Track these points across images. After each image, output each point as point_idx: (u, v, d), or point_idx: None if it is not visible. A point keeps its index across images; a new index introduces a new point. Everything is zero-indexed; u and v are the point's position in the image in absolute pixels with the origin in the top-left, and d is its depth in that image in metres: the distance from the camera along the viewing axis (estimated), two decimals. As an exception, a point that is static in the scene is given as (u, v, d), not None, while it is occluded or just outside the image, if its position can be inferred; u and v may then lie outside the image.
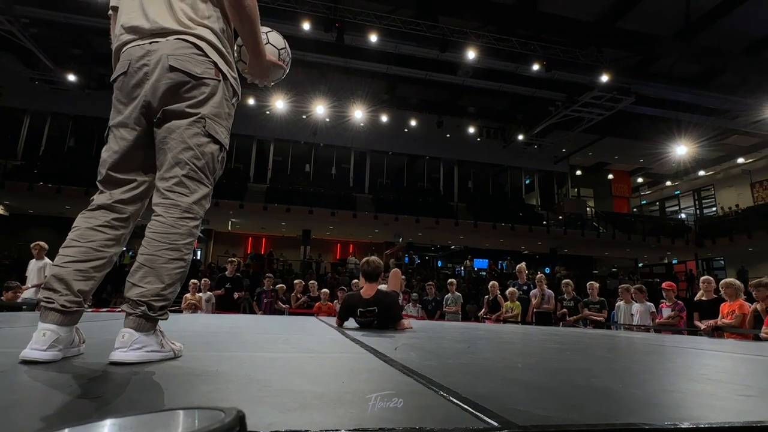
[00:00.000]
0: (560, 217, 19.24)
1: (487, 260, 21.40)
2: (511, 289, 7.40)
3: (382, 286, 3.78)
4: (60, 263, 1.24)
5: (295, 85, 14.69)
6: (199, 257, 18.95)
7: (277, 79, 1.73)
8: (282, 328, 3.12)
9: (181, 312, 6.68)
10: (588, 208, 20.95)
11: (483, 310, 7.99)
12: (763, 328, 4.29)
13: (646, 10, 11.44)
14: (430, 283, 9.32)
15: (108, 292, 11.74)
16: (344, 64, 13.40)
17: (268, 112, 16.18)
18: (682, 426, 0.75)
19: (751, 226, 17.20)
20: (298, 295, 8.12)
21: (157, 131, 1.34)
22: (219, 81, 1.38)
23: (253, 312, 8.10)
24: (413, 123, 17.25)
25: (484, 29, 12.08)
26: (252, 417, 0.70)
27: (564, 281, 7.43)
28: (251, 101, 15.48)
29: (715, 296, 5.10)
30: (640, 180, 24.56)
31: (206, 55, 1.35)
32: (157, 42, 1.33)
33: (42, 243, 6.23)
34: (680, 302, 5.91)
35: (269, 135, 17.93)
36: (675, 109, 14.51)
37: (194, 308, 7.02)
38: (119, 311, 1.33)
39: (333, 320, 4.05)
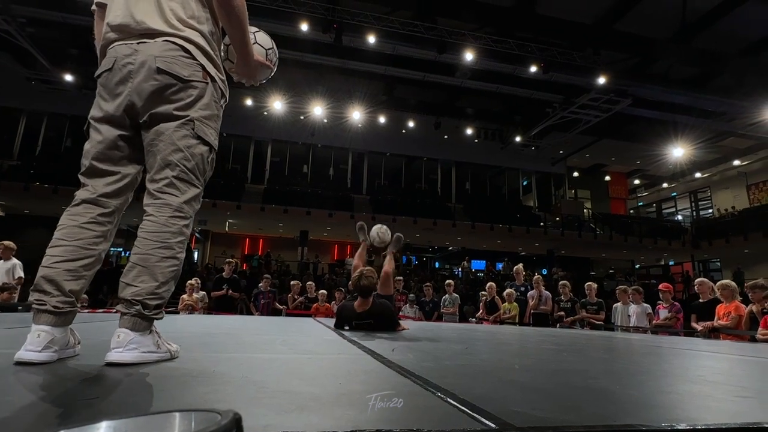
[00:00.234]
0: (557, 219, 19.27)
1: (484, 261, 21.42)
2: (508, 290, 7.41)
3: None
4: (48, 264, 1.22)
5: (292, 86, 14.68)
6: (195, 258, 18.92)
7: (264, 78, 1.73)
8: (279, 329, 3.11)
9: (177, 313, 6.65)
10: (585, 210, 21.00)
11: (480, 311, 7.99)
12: (759, 329, 4.30)
13: (643, 12, 11.48)
14: (428, 284, 9.33)
15: (104, 292, 11.69)
16: (342, 65, 13.40)
17: (265, 113, 16.16)
18: (679, 427, 0.75)
19: (747, 228, 17.27)
20: (295, 296, 8.11)
21: (145, 134, 1.34)
22: (207, 83, 1.37)
23: (250, 313, 8.08)
24: (411, 124, 17.26)
25: (481, 31, 12.11)
26: (249, 419, 0.69)
27: (561, 282, 7.44)
28: (249, 102, 15.47)
29: (712, 298, 5.12)
30: (636, 182, 24.65)
31: (194, 58, 1.35)
32: (144, 43, 1.32)
33: (8, 243, 5.82)
34: (677, 304, 5.92)
35: (267, 136, 17.90)
36: (672, 111, 14.57)
37: (191, 309, 6.99)
38: (115, 312, 1.32)
39: (330, 321, 4.05)
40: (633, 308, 6.19)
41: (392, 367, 1.34)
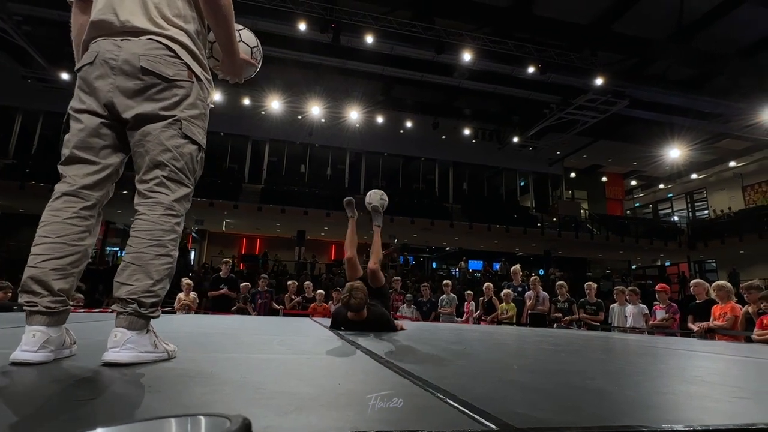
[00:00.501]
0: (554, 219, 19.32)
1: (481, 262, 21.45)
2: (506, 290, 7.42)
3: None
4: (34, 263, 1.20)
5: (290, 86, 14.66)
6: (192, 257, 18.86)
7: (248, 76, 1.73)
8: (277, 329, 3.10)
9: (174, 313, 6.63)
10: (582, 211, 21.06)
11: (477, 311, 8.00)
12: (755, 330, 4.33)
13: (640, 13, 11.52)
14: (425, 284, 9.33)
15: (100, 292, 11.64)
16: (340, 65, 13.39)
17: (263, 113, 16.12)
18: (677, 428, 0.75)
19: (743, 229, 17.37)
20: (292, 296, 8.10)
21: (131, 134, 1.32)
22: (192, 82, 1.36)
23: (247, 313, 8.05)
24: (409, 124, 17.26)
25: (479, 31, 12.12)
26: (251, 420, 0.69)
27: (558, 283, 7.45)
28: (246, 101, 15.43)
29: (708, 298, 5.14)
30: (633, 182, 24.74)
31: (179, 57, 1.34)
32: (128, 40, 1.31)
33: None
34: (674, 304, 5.95)
35: (264, 135, 17.87)
36: (668, 112, 14.63)
37: (188, 309, 6.97)
38: (111, 311, 1.31)
39: (328, 321, 4.04)
40: (630, 309, 6.21)
41: (391, 368, 1.34)
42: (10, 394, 0.88)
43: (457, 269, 19.22)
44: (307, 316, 7.07)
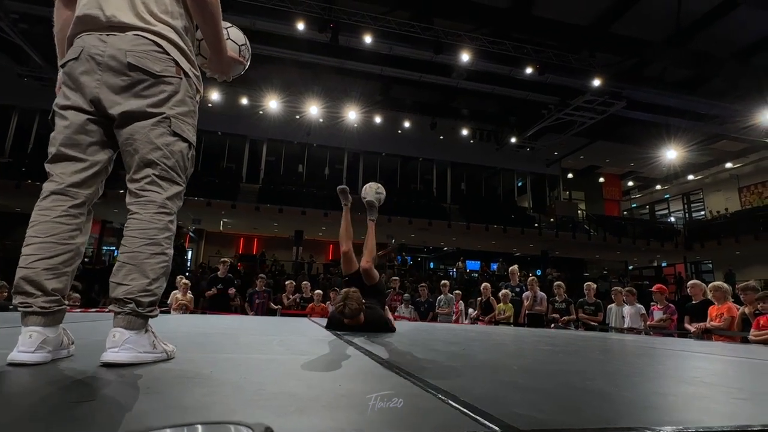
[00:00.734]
0: (552, 220, 19.37)
1: (479, 262, 21.47)
2: (504, 290, 7.43)
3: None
4: (25, 264, 1.18)
5: (288, 85, 14.63)
6: (189, 257, 18.80)
7: (237, 74, 1.72)
8: (276, 330, 3.09)
9: (169, 312, 6.60)
10: (579, 211, 21.12)
11: (475, 311, 8.00)
12: (751, 330, 4.34)
13: (638, 15, 11.55)
14: (423, 284, 9.33)
15: (96, 291, 11.58)
16: (338, 65, 13.37)
17: (261, 112, 16.08)
18: (680, 429, 0.75)
19: (739, 230, 17.44)
20: (289, 296, 8.08)
21: (118, 132, 1.30)
22: (180, 79, 1.35)
23: (244, 312, 8.04)
24: (407, 124, 17.26)
25: (478, 32, 12.13)
26: (249, 421, 0.69)
27: (556, 283, 7.47)
28: (244, 101, 15.39)
29: (704, 299, 5.16)
30: (630, 183, 24.83)
31: (166, 53, 1.32)
32: (114, 35, 1.29)
33: None
34: (671, 305, 5.97)
35: (262, 135, 17.83)
36: (665, 114, 14.68)
37: (185, 309, 6.93)
38: (108, 311, 1.29)
39: (326, 321, 4.03)
40: (627, 309, 6.22)
41: (391, 368, 1.33)
42: (7, 395, 0.87)
43: (454, 269, 19.23)
44: (304, 316, 7.06)
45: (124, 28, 1.30)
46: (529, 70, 12.42)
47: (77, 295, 6.70)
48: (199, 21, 1.43)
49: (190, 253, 19.12)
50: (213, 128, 17.01)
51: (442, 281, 8.77)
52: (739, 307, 4.73)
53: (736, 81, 12.97)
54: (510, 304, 7.27)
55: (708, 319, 4.88)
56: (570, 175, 22.40)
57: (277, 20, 10.98)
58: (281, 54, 12.67)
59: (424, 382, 1.09)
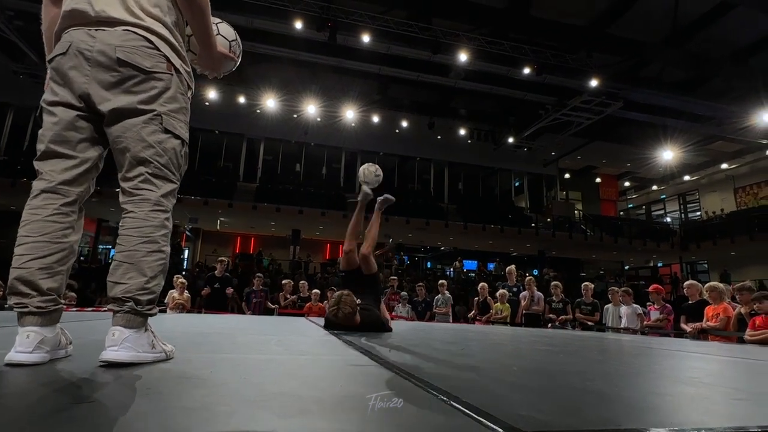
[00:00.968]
0: (549, 220, 19.42)
1: (476, 262, 21.51)
2: (501, 290, 7.44)
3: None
4: (19, 264, 1.17)
5: (286, 84, 14.60)
6: (186, 256, 18.74)
7: (228, 70, 1.69)
8: (274, 329, 3.09)
9: (165, 311, 6.57)
10: (576, 211, 21.19)
11: (473, 311, 8.01)
12: (747, 330, 4.36)
13: (636, 15, 11.60)
14: (420, 284, 9.32)
15: (92, 290, 11.53)
16: (336, 64, 13.35)
17: (258, 111, 16.04)
18: (685, 429, 0.75)
19: (734, 231, 17.54)
20: (287, 296, 8.07)
21: (109, 130, 1.28)
22: (171, 75, 1.33)
23: (242, 312, 8.02)
24: (404, 124, 17.26)
25: (476, 32, 12.14)
26: (252, 423, 0.68)
27: (553, 283, 7.49)
28: (242, 99, 15.34)
29: (700, 299, 5.18)
30: (627, 184, 24.92)
31: (157, 49, 1.30)
32: (103, 30, 1.27)
33: None
34: (668, 305, 5.99)
35: (259, 134, 17.79)
36: (662, 114, 14.74)
37: (182, 308, 6.91)
38: (105, 310, 1.28)
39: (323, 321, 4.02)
40: (624, 309, 6.25)
41: (391, 369, 1.33)
42: (5, 396, 0.86)
43: (452, 269, 19.26)
44: (302, 315, 7.04)
45: (113, 23, 1.27)
46: (526, 71, 12.44)
47: (73, 294, 6.66)
48: (187, 15, 1.41)
49: (186, 252, 19.06)
50: (210, 127, 16.96)
51: (441, 281, 8.77)
52: (735, 305, 4.76)
53: (733, 82, 13.04)
54: (507, 304, 7.28)
55: (704, 319, 4.90)
56: (567, 176, 22.46)
57: (275, 19, 10.95)
58: (279, 53, 12.64)
59: (425, 383, 1.09)
